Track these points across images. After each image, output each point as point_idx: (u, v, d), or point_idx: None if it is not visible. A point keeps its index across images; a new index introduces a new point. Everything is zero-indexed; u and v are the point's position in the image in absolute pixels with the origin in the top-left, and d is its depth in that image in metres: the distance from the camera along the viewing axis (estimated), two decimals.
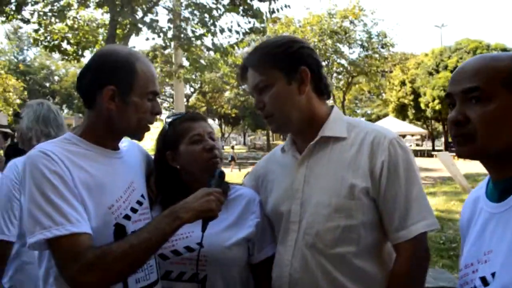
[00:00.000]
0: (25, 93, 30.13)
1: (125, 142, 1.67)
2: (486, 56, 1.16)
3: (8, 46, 37.47)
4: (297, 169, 1.62)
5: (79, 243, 1.25)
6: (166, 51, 13.90)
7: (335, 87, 23.78)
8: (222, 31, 10.28)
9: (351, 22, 22.99)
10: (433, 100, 30.10)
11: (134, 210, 1.49)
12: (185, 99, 33.02)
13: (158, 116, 1.58)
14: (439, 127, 45.96)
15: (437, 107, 30.78)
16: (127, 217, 1.45)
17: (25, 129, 2.55)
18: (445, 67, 31.79)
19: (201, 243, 1.49)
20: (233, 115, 42.41)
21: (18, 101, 23.71)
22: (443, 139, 40.86)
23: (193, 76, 14.38)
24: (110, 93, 1.43)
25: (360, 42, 23.68)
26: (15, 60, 40.20)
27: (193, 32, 10.80)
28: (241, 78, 1.68)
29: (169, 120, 1.82)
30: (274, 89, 1.56)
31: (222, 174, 1.57)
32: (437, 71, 32.13)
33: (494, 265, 1.05)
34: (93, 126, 1.49)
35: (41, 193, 1.28)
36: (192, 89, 34.39)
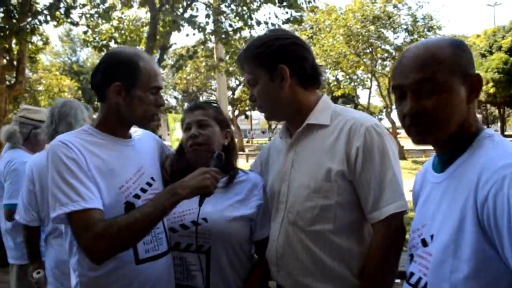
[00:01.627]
0: (79, 92, 31.70)
1: (139, 132, 1.89)
2: (427, 44, 1.20)
3: (62, 49, 39.57)
4: (286, 154, 1.77)
5: (91, 216, 1.48)
6: (209, 46, 14.21)
7: (380, 74, 23.21)
8: (258, 23, 10.42)
9: (395, 6, 22.34)
10: (487, 83, 28.75)
11: (143, 190, 1.70)
12: (230, 92, 33.46)
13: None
14: (495, 111, 43.82)
15: (491, 91, 29.44)
16: (136, 196, 1.67)
17: (44, 126, 2.98)
18: (499, 48, 30.33)
19: (197, 217, 1.68)
20: None
21: None
22: (499, 124, 38.99)
23: (236, 69, 14.64)
24: (117, 89, 1.65)
25: (405, 27, 22.97)
26: (69, 61, 42.28)
27: (230, 26, 11.03)
28: (242, 72, 1.85)
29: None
30: (259, 86, 1.71)
31: (220, 156, 1.74)
32: (491, 53, 30.70)
33: (432, 228, 1.18)
34: (105, 117, 1.72)
35: (60, 176, 1.52)
36: (237, 82, 34.70)
